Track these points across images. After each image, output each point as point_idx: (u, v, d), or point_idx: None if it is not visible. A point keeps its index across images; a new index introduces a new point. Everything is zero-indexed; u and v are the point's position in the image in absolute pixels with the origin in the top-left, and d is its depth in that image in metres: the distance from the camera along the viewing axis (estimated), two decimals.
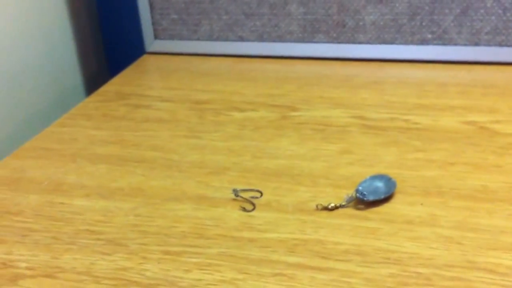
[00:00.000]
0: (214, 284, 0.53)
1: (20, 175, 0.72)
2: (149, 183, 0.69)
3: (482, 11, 0.91)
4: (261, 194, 0.65)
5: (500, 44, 0.92)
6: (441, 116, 0.79)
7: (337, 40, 0.99)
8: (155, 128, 0.81)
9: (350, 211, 0.62)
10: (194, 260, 0.56)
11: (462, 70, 0.92)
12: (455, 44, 0.95)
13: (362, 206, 0.62)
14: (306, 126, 0.79)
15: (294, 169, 0.70)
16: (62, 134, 0.81)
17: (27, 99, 0.97)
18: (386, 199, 0.62)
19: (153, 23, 1.07)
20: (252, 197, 0.64)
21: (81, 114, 0.87)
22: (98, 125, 0.83)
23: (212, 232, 0.60)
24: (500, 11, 0.91)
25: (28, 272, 0.56)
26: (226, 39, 1.05)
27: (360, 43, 0.99)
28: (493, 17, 0.91)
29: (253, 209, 0.63)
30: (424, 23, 0.95)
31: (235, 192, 0.65)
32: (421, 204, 0.62)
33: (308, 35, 1.01)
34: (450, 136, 0.75)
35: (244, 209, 0.63)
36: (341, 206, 0.62)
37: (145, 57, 1.08)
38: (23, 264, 0.57)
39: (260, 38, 1.03)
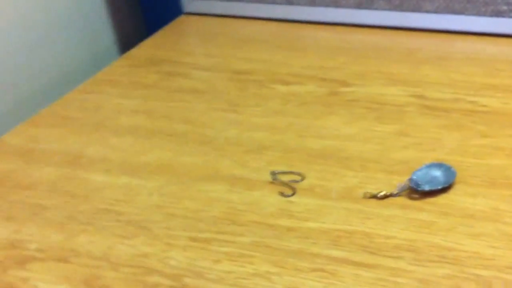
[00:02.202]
0: (245, 278, 0.53)
1: (35, 145, 0.72)
2: (178, 159, 0.69)
3: None
4: (302, 178, 0.65)
5: None
6: (511, 99, 0.78)
7: (399, 7, 0.98)
8: (189, 99, 0.81)
9: (403, 200, 0.61)
10: (224, 249, 0.56)
11: None
12: None
13: (416, 196, 0.61)
14: (358, 104, 0.78)
15: (342, 151, 0.69)
16: (84, 101, 0.81)
17: (55, 58, 0.97)
18: (444, 189, 0.61)
19: None
20: (292, 181, 0.64)
21: (108, 79, 0.87)
22: (125, 92, 0.83)
23: (246, 218, 0.60)
24: None
25: (38, 255, 0.56)
26: (273, 2, 1.04)
27: (425, 12, 0.97)
28: None
29: (293, 194, 0.62)
30: None
31: (274, 174, 0.64)
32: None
33: (367, 1, 0.99)
34: None
35: (282, 194, 0.62)
36: (392, 195, 0.61)
37: (182, 17, 1.08)
38: (33, 245, 0.57)
39: (312, 2, 1.02)
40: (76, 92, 0.84)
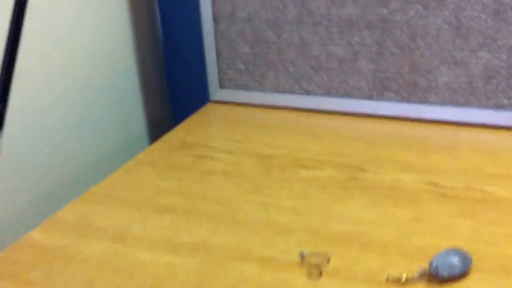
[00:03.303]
0: None
1: (86, 222, 0.72)
2: (214, 239, 0.68)
3: None
4: (328, 259, 0.64)
5: None
6: None
7: (407, 99, 0.99)
8: (220, 182, 0.81)
9: (423, 286, 0.60)
10: None
11: None
12: None
13: (435, 282, 0.61)
14: (375, 190, 0.78)
15: (363, 235, 0.69)
16: (127, 182, 0.82)
17: (93, 142, 0.98)
18: (461, 276, 0.61)
19: (219, 72, 1.08)
20: (319, 262, 0.63)
21: (147, 161, 0.87)
22: (163, 174, 0.84)
23: None
24: None
25: None
26: (293, 92, 1.05)
27: (432, 104, 0.98)
28: None
29: (320, 276, 0.62)
30: (500, 88, 0.93)
31: (302, 256, 0.64)
32: None
33: (378, 92, 1.00)
34: None
35: (310, 276, 0.62)
36: (413, 279, 0.60)
37: (209, 105, 1.09)
38: None
39: (328, 93, 1.03)
40: (121, 172, 0.84)
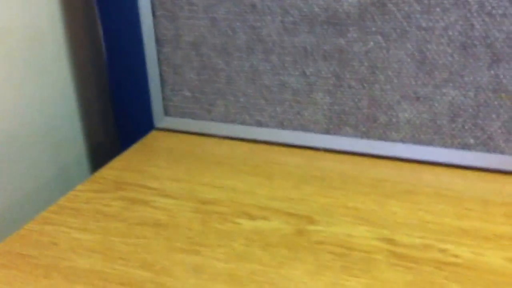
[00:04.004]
0: None
1: None
2: None
3: None
4: None
5: None
6: (484, 249, 0.66)
7: (366, 135, 0.87)
8: (150, 235, 0.69)
9: None
10: None
11: (508, 184, 0.79)
12: (502, 153, 0.82)
13: None
14: (324, 248, 0.67)
15: None
16: (41, 235, 0.69)
17: (26, 173, 0.85)
18: None
19: (164, 99, 0.96)
20: None
21: (70, 207, 0.75)
22: (85, 225, 0.71)
23: None
24: None
25: None
26: (243, 123, 0.93)
27: (392, 141, 0.86)
28: None
29: None
30: (466, 127, 0.82)
31: None
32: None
33: (335, 127, 0.89)
34: (495, 279, 0.61)
35: None
36: None
37: (153, 133, 0.97)
38: None
39: (281, 125, 0.91)
40: (36, 222, 0.72)
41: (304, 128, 0.91)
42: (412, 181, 0.81)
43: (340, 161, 0.87)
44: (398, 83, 0.83)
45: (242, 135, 0.93)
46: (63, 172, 0.95)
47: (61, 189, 0.90)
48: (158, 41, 0.92)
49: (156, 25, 0.90)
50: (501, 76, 0.79)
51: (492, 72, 0.79)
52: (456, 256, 0.65)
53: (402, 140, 0.86)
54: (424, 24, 0.79)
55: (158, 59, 0.93)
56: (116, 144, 1.07)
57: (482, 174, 0.82)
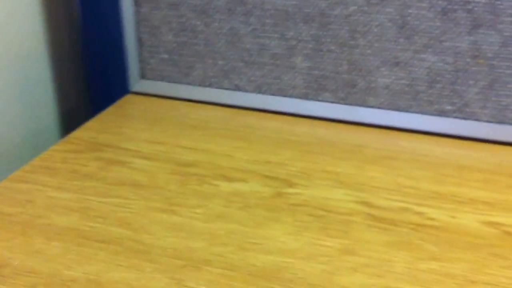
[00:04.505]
0: None
1: None
2: (109, 275, 0.57)
3: (510, 86, 0.81)
4: None
5: None
6: (460, 212, 0.68)
7: (345, 101, 0.89)
8: (128, 195, 0.70)
9: None
10: None
11: (485, 151, 0.81)
12: (478, 120, 0.84)
13: None
14: (303, 210, 0.68)
15: (286, 271, 0.58)
16: (17, 193, 0.69)
17: None
18: None
19: (140, 61, 0.96)
20: None
21: (45, 166, 0.75)
22: (61, 184, 0.72)
23: None
24: None
25: None
26: (221, 87, 0.94)
27: (371, 107, 0.88)
28: None
29: None
30: (444, 93, 0.84)
31: None
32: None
33: (313, 92, 0.90)
34: (471, 241, 0.64)
35: None
36: None
37: (128, 97, 0.97)
38: None
39: (259, 90, 0.92)
40: (11, 180, 0.72)
41: (282, 93, 0.91)
42: (390, 147, 0.83)
43: (318, 126, 0.88)
44: (378, 48, 0.84)
45: (220, 100, 0.94)
46: (34, 136, 0.95)
47: (32, 154, 0.90)
48: (136, 1, 0.92)
49: None
50: (480, 42, 0.80)
51: (472, 37, 0.80)
52: (432, 219, 0.67)
53: (381, 106, 0.88)
54: None
55: (136, 19, 0.93)
56: (89, 109, 1.07)
57: (459, 141, 0.84)
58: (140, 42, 0.95)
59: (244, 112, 0.92)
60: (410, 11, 0.81)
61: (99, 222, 0.65)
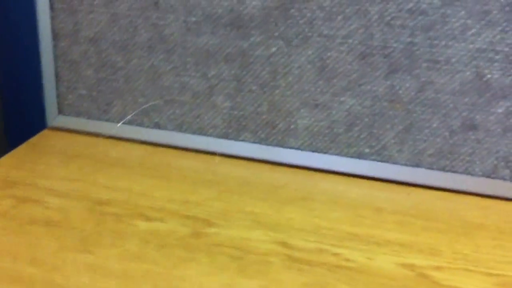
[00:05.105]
0: None
1: None
2: None
3: (426, 131, 0.84)
4: None
5: (443, 169, 0.85)
6: (376, 253, 0.70)
7: (265, 141, 0.90)
8: (40, 234, 0.69)
9: None
10: None
11: (401, 193, 0.84)
12: (395, 163, 0.87)
13: None
14: (221, 250, 0.69)
15: None
16: None
17: None
18: None
19: (58, 96, 0.95)
20: None
21: None
22: None
23: None
24: (446, 133, 0.84)
25: None
26: (141, 124, 0.94)
27: (290, 147, 0.90)
28: (438, 139, 0.84)
29: None
30: (362, 136, 0.87)
31: None
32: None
33: (233, 131, 0.91)
34: (386, 283, 0.65)
35: None
36: None
37: (46, 132, 0.96)
38: None
39: (179, 128, 0.93)
40: None
41: (202, 132, 0.92)
42: (308, 188, 0.85)
43: (238, 166, 0.89)
44: (298, 89, 0.86)
45: (139, 137, 0.94)
46: None
47: None
48: (55, 35, 0.91)
49: (53, 18, 0.90)
50: (397, 87, 0.84)
51: (389, 82, 0.84)
52: (348, 260, 0.69)
53: (300, 148, 0.90)
54: (325, 32, 0.83)
55: (54, 54, 0.92)
56: (4, 144, 1.05)
57: (376, 183, 0.87)
58: (58, 77, 0.94)
59: (164, 149, 0.93)
60: (329, 54, 0.84)
61: (10, 261, 0.64)
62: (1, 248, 0.66)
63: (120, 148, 0.92)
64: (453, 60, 0.80)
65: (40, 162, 0.86)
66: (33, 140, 0.93)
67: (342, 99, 0.86)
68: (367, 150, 0.87)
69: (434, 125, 0.84)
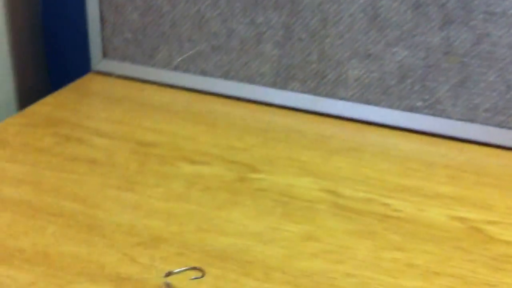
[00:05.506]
0: None
1: None
2: (59, 248, 0.56)
3: (482, 85, 0.81)
4: (203, 274, 0.53)
5: (499, 125, 0.82)
6: (426, 205, 0.68)
7: (314, 91, 0.88)
8: (83, 171, 0.68)
9: None
10: None
11: (453, 148, 0.81)
12: (448, 117, 0.84)
13: None
14: (266, 195, 0.67)
15: (245, 253, 0.58)
16: None
17: None
18: None
19: (103, 39, 0.94)
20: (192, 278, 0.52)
21: None
22: (14, 156, 0.70)
23: None
24: (502, 88, 0.81)
25: None
26: (187, 71, 0.93)
27: (340, 99, 0.87)
28: (493, 94, 0.81)
29: None
30: (415, 88, 0.84)
31: (167, 283, 0.52)
32: None
33: (282, 80, 0.89)
34: (436, 234, 0.63)
35: None
36: None
37: (90, 76, 0.95)
38: None
39: (226, 75, 0.91)
40: None
41: (250, 80, 0.91)
42: (357, 140, 0.83)
43: (285, 115, 0.88)
44: (349, 39, 0.84)
45: (185, 84, 0.93)
46: None
47: None
48: None
49: None
50: (452, 39, 0.81)
51: (443, 33, 0.81)
52: (397, 210, 0.67)
53: (350, 99, 0.88)
54: None
55: None
56: (48, 89, 1.05)
57: (428, 137, 0.84)
58: (103, 20, 0.93)
59: (209, 97, 0.91)
60: (382, 2, 0.81)
61: (52, 196, 0.63)
62: (45, 182, 0.65)
63: (165, 94, 0.91)
64: (510, 12, 0.77)
65: (84, 103, 0.85)
66: (77, 82, 0.92)
67: (394, 50, 0.83)
68: (419, 104, 0.85)
69: (490, 79, 0.81)
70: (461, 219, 0.66)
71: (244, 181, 0.70)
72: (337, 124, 0.86)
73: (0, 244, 0.55)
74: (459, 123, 0.84)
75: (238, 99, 0.91)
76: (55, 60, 0.97)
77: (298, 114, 0.88)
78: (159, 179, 0.68)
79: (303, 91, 0.89)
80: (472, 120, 0.83)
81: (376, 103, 0.86)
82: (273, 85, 0.90)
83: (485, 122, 0.83)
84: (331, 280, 0.55)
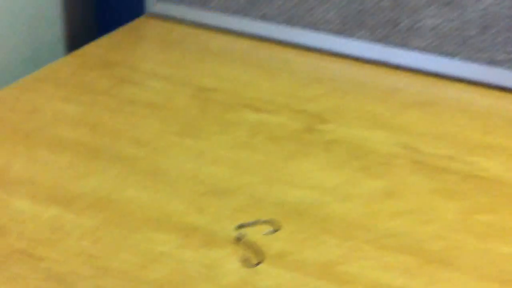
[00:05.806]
0: None
1: None
2: (122, 193, 0.52)
3: None
4: (277, 228, 0.49)
5: None
6: None
7: (385, 40, 0.83)
8: (143, 114, 0.64)
9: None
10: None
11: None
12: None
13: None
14: (338, 148, 0.63)
15: (321, 208, 0.53)
16: (20, 101, 0.64)
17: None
18: None
19: None
20: (265, 233, 0.48)
21: (51, 77, 0.70)
22: (70, 96, 0.66)
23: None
24: None
25: None
26: (246, 15, 0.87)
27: (413, 49, 0.82)
28: None
29: (259, 263, 0.46)
30: (497, 40, 0.78)
31: (239, 235, 0.48)
32: None
33: (349, 28, 0.84)
34: None
35: (246, 262, 0.46)
36: None
37: (144, 18, 0.90)
38: None
39: (289, 21, 0.86)
40: (11, 89, 0.66)
41: (314, 27, 0.85)
42: (431, 93, 0.77)
43: (352, 65, 0.82)
44: None
45: (244, 29, 0.88)
46: (37, 53, 0.89)
47: (34, 69, 0.84)
48: None
49: None
50: None
51: None
52: (484, 170, 0.62)
53: (425, 49, 0.82)
54: None
55: None
56: (96, 31, 1.00)
57: (509, 94, 0.79)
58: None
59: (270, 44, 0.86)
60: None
61: (111, 139, 0.60)
62: (103, 124, 0.61)
63: (223, 39, 0.86)
64: None
65: (139, 46, 0.81)
66: (131, 25, 0.88)
67: None
68: (501, 57, 0.79)
69: None
70: None
71: (312, 132, 0.65)
72: (409, 76, 0.81)
73: (61, 187, 0.52)
74: None
75: (301, 47, 0.85)
76: (104, 2, 0.92)
77: (366, 65, 0.83)
78: (222, 126, 0.64)
79: (372, 40, 0.83)
80: None
81: (453, 55, 0.81)
82: (340, 32, 0.84)
83: None
84: (418, 243, 0.50)
